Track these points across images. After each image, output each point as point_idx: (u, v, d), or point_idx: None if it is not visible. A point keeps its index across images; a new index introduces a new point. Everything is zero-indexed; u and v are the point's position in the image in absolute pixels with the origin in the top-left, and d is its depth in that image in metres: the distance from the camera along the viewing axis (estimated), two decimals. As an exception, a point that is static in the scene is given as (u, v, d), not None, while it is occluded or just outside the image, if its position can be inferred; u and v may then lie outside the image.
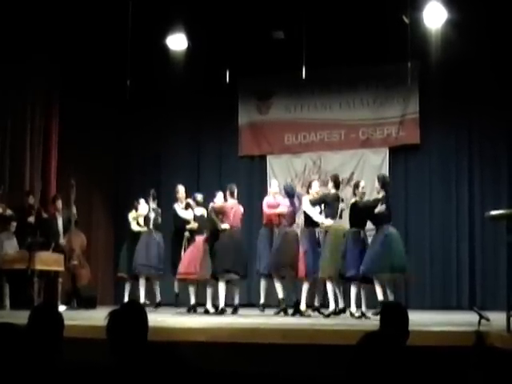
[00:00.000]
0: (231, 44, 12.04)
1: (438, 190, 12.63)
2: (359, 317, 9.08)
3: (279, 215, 10.20)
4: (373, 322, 8.01)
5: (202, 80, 13.21)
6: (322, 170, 13.29)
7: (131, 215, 11.63)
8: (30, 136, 12.06)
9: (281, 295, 9.84)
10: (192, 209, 10.92)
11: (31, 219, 11.23)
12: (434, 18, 10.44)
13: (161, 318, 8.43)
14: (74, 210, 11.68)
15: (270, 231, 10.35)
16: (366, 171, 12.84)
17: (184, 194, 11.10)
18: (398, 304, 4.48)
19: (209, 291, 10.47)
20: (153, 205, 11.51)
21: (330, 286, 9.47)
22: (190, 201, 11.01)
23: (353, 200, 9.58)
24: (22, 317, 7.94)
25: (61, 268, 11.14)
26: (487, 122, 12.24)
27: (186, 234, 10.89)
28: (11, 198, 11.29)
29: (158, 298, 11.32)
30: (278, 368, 6.08)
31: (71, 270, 11.64)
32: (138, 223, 11.60)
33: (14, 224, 11.05)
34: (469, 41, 11.59)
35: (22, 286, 10.65)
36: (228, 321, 8.67)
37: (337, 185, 10.29)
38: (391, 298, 9.13)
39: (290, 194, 10.22)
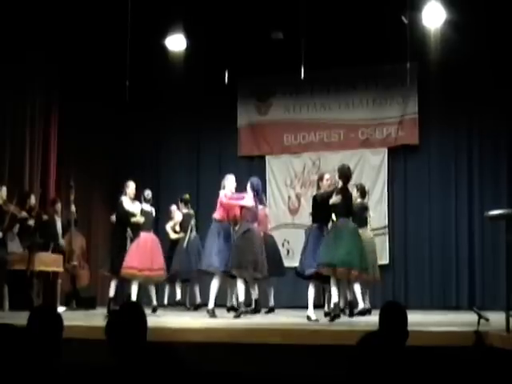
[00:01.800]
0: (230, 44, 12.05)
1: (437, 190, 12.62)
2: (316, 320, 8.66)
3: (242, 208, 9.62)
4: (371, 321, 8.01)
5: (201, 80, 13.21)
6: (322, 170, 13.26)
7: (169, 225, 11.80)
8: (29, 137, 12.03)
9: (242, 298, 9.33)
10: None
11: (31, 222, 11.17)
12: (433, 18, 10.42)
13: (160, 319, 8.44)
14: (74, 211, 11.66)
15: (225, 227, 9.76)
16: (365, 171, 12.85)
17: (134, 191, 10.62)
18: (397, 304, 4.46)
19: (229, 291, 10.50)
20: (185, 210, 11.71)
21: (357, 287, 9.13)
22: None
23: (314, 193, 9.27)
24: (21, 318, 7.92)
25: (60, 269, 11.14)
26: (486, 122, 12.23)
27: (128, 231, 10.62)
28: (10, 200, 11.23)
29: (198, 300, 11.40)
30: (277, 368, 6.08)
31: (71, 270, 11.64)
32: (174, 231, 11.79)
33: (17, 225, 11.04)
34: (468, 41, 11.59)
35: (22, 286, 10.64)
36: (227, 321, 8.66)
37: (363, 194, 10.29)
38: (362, 299, 8.87)
39: (256, 189, 9.69)
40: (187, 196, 11.92)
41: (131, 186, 10.62)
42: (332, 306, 8.61)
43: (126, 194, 10.54)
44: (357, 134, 13.19)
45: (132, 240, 10.44)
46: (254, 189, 9.65)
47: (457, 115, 12.46)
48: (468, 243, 12.25)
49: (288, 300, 12.43)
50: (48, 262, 11.01)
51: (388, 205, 12.74)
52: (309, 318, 8.71)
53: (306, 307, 8.92)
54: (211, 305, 9.34)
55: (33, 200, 11.33)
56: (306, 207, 13.20)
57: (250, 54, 12.81)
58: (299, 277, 9.30)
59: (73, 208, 11.65)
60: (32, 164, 12.04)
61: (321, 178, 9.36)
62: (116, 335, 3.25)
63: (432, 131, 12.73)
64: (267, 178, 13.52)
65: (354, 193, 9.98)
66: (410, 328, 4.18)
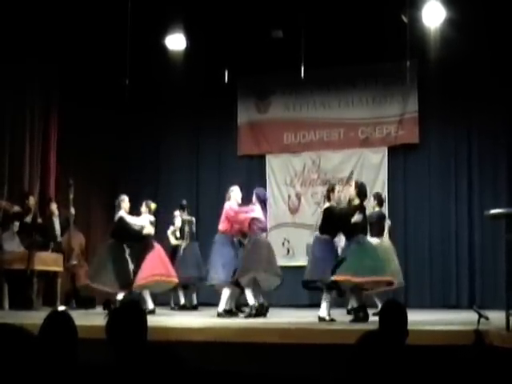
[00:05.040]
0: (230, 43, 12.04)
1: (437, 188, 12.62)
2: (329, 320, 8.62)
3: (252, 220, 9.52)
4: (370, 321, 8.02)
5: (200, 80, 13.20)
6: (322, 169, 13.28)
7: (169, 231, 11.97)
8: (28, 138, 12.02)
9: (252, 301, 9.32)
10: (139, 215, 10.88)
11: (28, 219, 11.17)
12: (433, 16, 10.44)
13: (160, 318, 8.44)
14: (73, 209, 11.64)
15: (230, 238, 9.79)
16: (365, 170, 12.84)
17: (128, 203, 10.71)
18: (397, 303, 4.46)
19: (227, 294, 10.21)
20: (184, 216, 11.82)
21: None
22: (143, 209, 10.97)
23: (327, 205, 8.99)
24: (21, 317, 7.94)
25: (60, 268, 11.13)
26: (486, 120, 12.23)
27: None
28: (10, 201, 11.22)
29: (195, 301, 11.70)
30: (276, 368, 6.08)
31: (70, 270, 11.62)
32: (175, 237, 11.92)
33: (17, 223, 11.03)
34: (467, 39, 11.58)
35: (21, 286, 10.64)
36: (226, 321, 8.66)
37: (380, 202, 10.23)
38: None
39: (262, 199, 9.65)
40: (184, 202, 11.98)
41: (125, 200, 10.69)
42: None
43: (120, 209, 10.58)
44: (357, 132, 13.18)
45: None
46: (260, 200, 9.61)
47: (456, 114, 12.45)
48: (468, 242, 12.25)
49: (287, 299, 12.43)
50: (48, 261, 11.00)
51: (388, 204, 12.72)
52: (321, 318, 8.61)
53: (305, 306, 8.96)
54: (221, 308, 9.48)
55: (32, 200, 11.33)
56: (306, 206, 13.24)
57: (250, 53, 12.81)
58: (305, 287, 9.22)
59: (72, 209, 11.62)
60: (32, 164, 12.04)
61: (332, 189, 9.10)
62: (116, 334, 3.25)
63: (432, 130, 12.73)
64: (267, 177, 13.53)
65: (371, 201, 9.99)
66: (409, 327, 4.18)
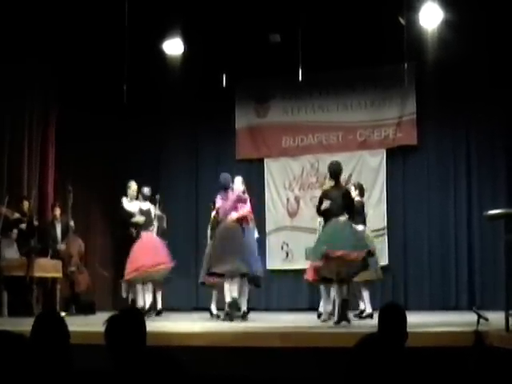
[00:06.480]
0: (228, 47, 12.05)
1: (435, 190, 12.62)
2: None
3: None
4: (371, 323, 8.01)
5: (199, 84, 13.20)
6: (320, 173, 13.24)
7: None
8: (27, 143, 12.03)
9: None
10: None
11: (23, 226, 11.14)
12: (430, 18, 10.44)
13: (159, 324, 8.43)
14: (71, 218, 11.63)
15: None
16: (363, 173, 12.83)
17: (135, 193, 10.61)
18: (397, 305, 4.47)
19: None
20: (156, 211, 10.95)
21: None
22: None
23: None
24: (20, 324, 7.91)
25: (59, 274, 11.13)
26: (484, 122, 12.23)
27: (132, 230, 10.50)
28: (9, 207, 11.22)
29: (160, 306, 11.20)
30: (276, 371, 6.07)
31: (70, 276, 11.62)
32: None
33: (15, 231, 11.03)
34: (465, 41, 11.59)
35: (21, 293, 10.63)
36: (226, 325, 8.66)
37: (362, 193, 10.28)
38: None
39: None
40: (157, 196, 11.06)
41: (132, 187, 10.59)
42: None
43: (127, 196, 10.56)
44: (355, 135, 13.18)
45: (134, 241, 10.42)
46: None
47: (455, 115, 12.46)
48: (467, 243, 12.25)
49: (286, 303, 12.44)
50: (47, 267, 11.01)
51: (387, 206, 12.73)
52: None
53: (304, 310, 8.93)
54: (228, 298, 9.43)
55: (26, 205, 11.32)
56: (305, 210, 13.21)
57: (248, 57, 12.80)
58: None
59: (70, 213, 11.61)
60: (30, 168, 12.03)
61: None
62: (115, 340, 3.25)
63: (430, 132, 12.73)
64: (266, 181, 13.53)
65: (353, 191, 10.00)
66: (409, 329, 4.17)
